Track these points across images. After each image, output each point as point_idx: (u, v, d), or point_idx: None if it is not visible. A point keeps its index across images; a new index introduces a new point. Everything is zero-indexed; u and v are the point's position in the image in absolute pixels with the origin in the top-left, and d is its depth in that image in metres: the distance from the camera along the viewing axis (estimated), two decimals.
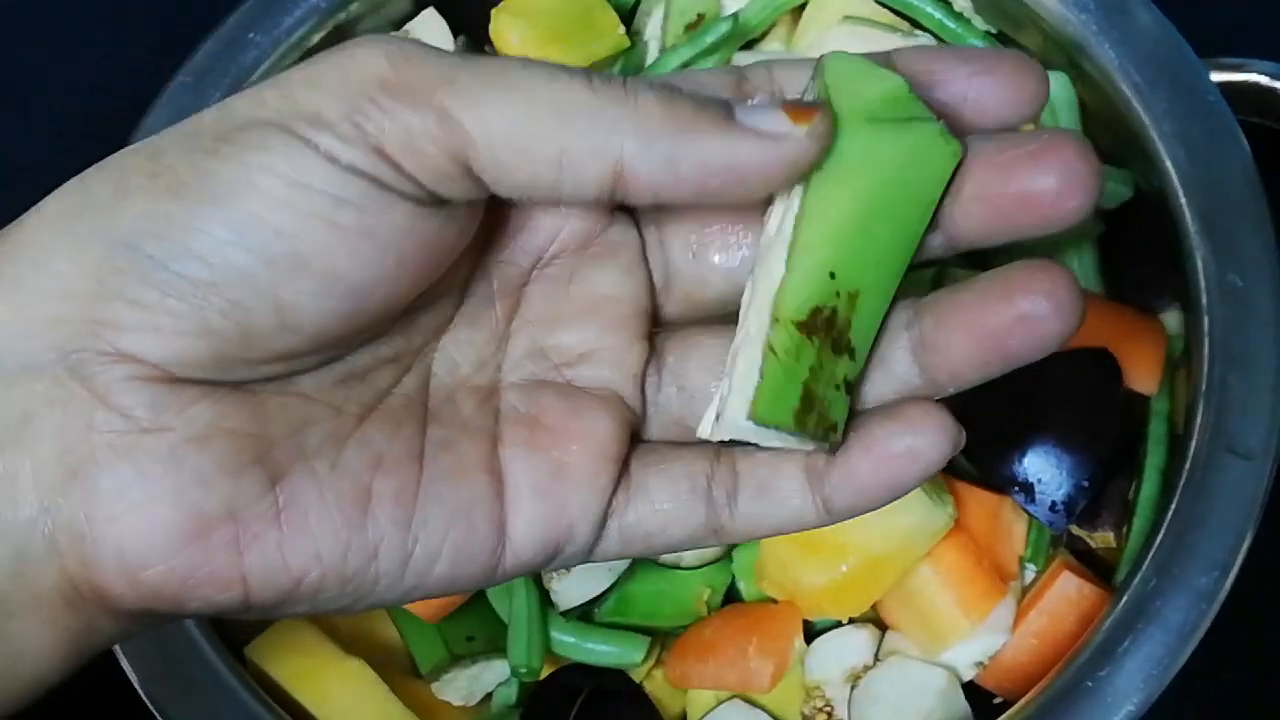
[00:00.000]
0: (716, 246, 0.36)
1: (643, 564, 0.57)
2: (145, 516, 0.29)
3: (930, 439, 0.33)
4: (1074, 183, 0.31)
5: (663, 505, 0.34)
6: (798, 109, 0.30)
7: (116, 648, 0.53)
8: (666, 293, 0.36)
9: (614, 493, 0.34)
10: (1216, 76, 0.58)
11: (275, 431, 0.31)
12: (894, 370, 0.34)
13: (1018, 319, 0.32)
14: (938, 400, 0.33)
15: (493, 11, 0.65)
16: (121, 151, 0.32)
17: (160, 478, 0.29)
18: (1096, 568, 0.56)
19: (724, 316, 0.35)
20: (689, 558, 0.55)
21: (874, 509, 0.34)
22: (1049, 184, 0.31)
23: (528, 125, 0.29)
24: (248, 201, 0.29)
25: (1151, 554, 0.51)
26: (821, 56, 0.32)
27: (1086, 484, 0.53)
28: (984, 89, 0.33)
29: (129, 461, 0.29)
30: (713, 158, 0.30)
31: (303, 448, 0.31)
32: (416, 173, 0.30)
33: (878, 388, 0.34)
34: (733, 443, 0.33)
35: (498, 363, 0.35)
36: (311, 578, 0.31)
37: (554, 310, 0.35)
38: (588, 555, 0.34)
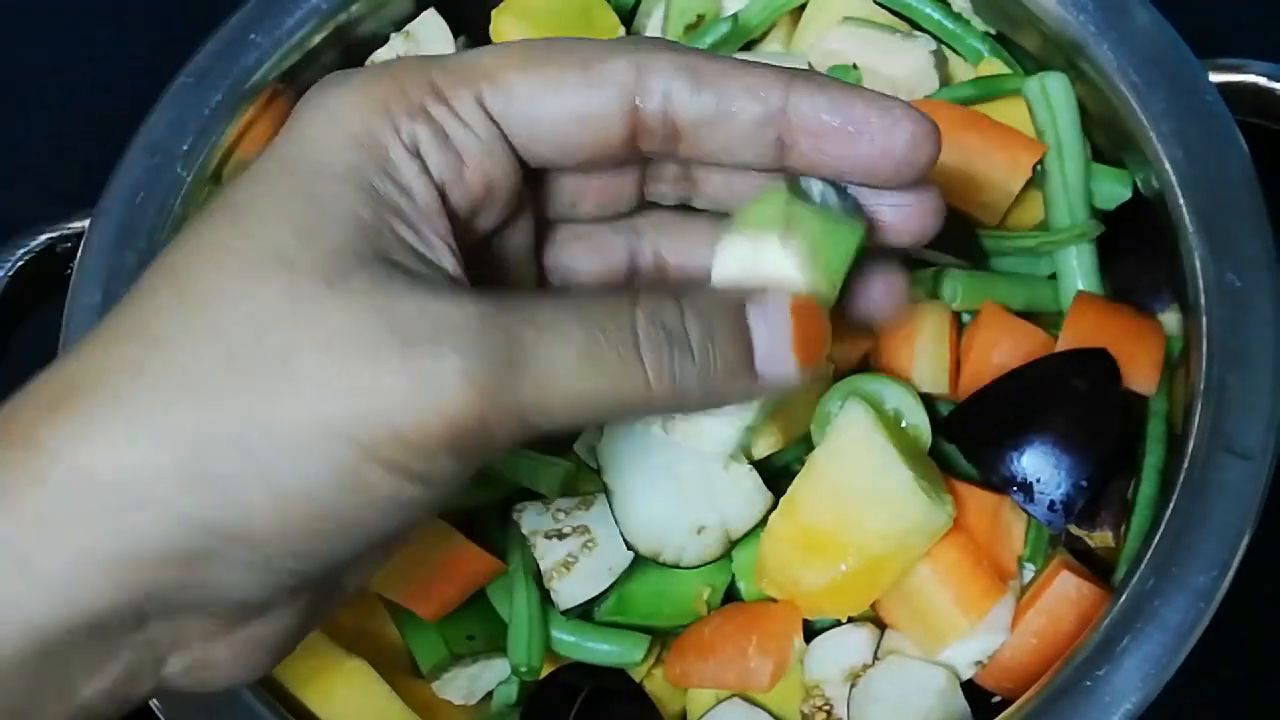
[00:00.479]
0: None
1: (642, 564, 0.57)
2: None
3: None
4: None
5: None
6: (808, 350, 0.35)
7: None
8: None
9: None
10: (1215, 77, 0.58)
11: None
12: None
13: None
14: None
15: (493, 12, 0.65)
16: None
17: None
18: (1095, 567, 0.56)
19: None
20: (689, 557, 0.55)
21: None
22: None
23: (588, 417, 0.34)
24: (355, 528, 0.32)
25: (1150, 553, 0.51)
26: (787, 207, 0.36)
27: (1085, 484, 0.53)
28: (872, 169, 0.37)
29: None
30: (732, 403, 0.36)
31: None
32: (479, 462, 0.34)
33: None
34: None
35: None
36: None
37: None
38: None
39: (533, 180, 0.39)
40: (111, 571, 0.30)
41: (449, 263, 0.34)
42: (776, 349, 0.35)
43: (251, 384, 0.30)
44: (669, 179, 0.40)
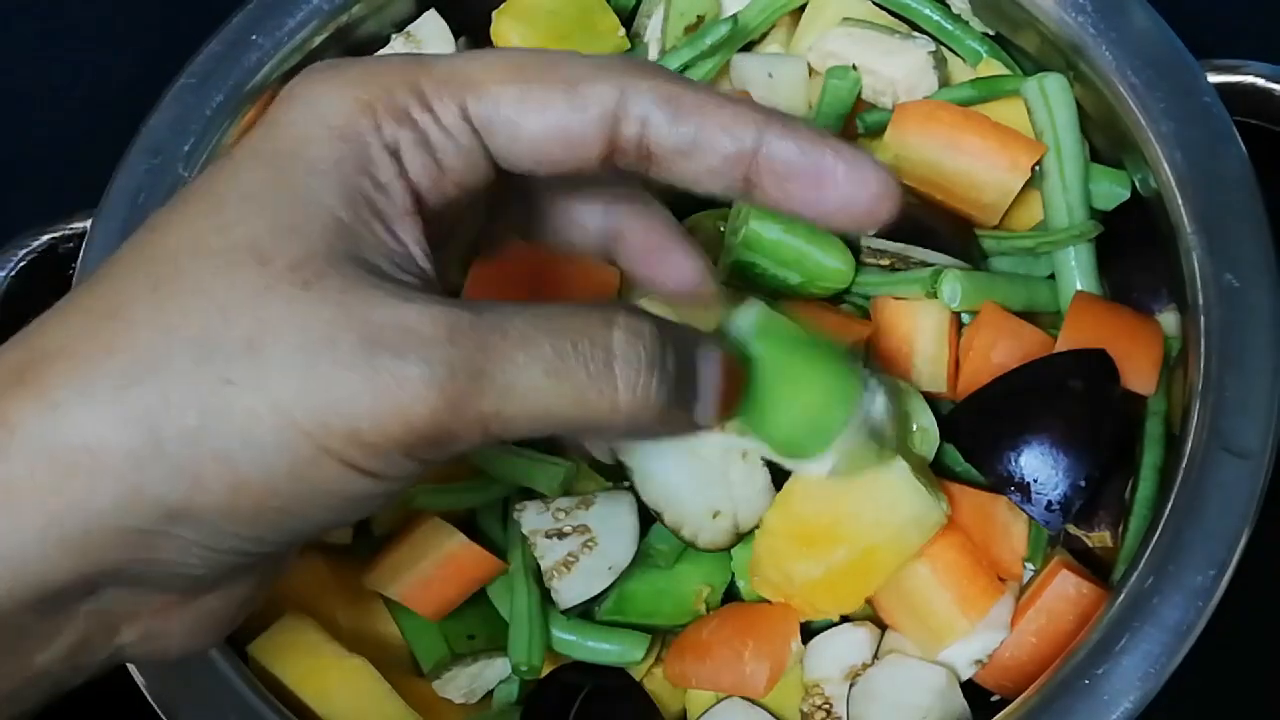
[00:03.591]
0: None
1: (642, 563, 0.57)
2: None
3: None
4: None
5: None
6: (726, 405, 0.39)
7: None
8: None
9: None
10: (1213, 78, 0.58)
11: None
12: None
13: None
14: None
15: (494, 13, 0.65)
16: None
17: None
18: (1094, 566, 0.56)
19: None
20: (704, 539, 0.55)
21: None
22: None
23: (550, 429, 0.35)
24: (306, 515, 0.33)
25: (1148, 553, 0.51)
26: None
27: (1083, 484, 0.53)
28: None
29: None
30: (667, 435, 0.38)
31: None
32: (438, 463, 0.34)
33: None
34: None
35: None
36: None
37: None
38: None
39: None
40: (66, 544, 0.31)
41: (421, 266, 0.35)
42: (708, 395, 0.38)
43: (216, 370, 0.31)
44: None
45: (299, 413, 0.31)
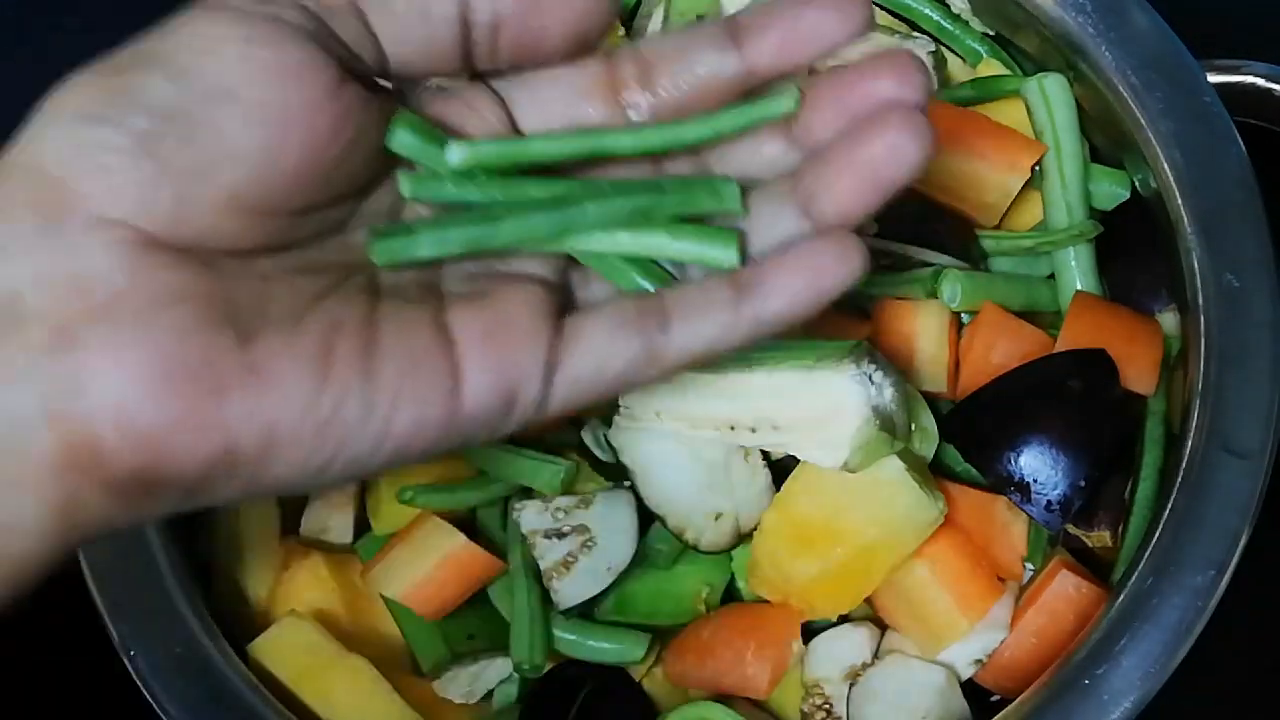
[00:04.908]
0: None
1: (642, 563, 0.57)
2: (132, 367, 0.32)
3: (842, 255, 0.37)
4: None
5: (597, 341, 0.37)
6: None
7: (122, 649, 0.53)
8: None
9: (553, 344, 0.37)
10: (1213, 78, 0.58)
11: (241, 300, 0.34)
12: (781, 228, 0.39)
13: (887, 149, 0.36)
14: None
15: None
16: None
17: (141, 333, 0.32)
18: (1094, 566, 0.56)
19: None
20: (706, 542, 0.55)
21: (800, 316, 0.38)
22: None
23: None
24: (182, 56, 0.35)
25: (1148, 553, 0.51)
26: None
27: (1082, 484, 0.53)
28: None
29: (110, 320, 0.32)
30: None
31: (265, 314, 0.35)
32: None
33: (767, 240, 0.39)
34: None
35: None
36: (286, 423, 0.34)
37: None
38: (542, 405, 0.37)
39: None
40: None
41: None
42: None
43: None
44: None
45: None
